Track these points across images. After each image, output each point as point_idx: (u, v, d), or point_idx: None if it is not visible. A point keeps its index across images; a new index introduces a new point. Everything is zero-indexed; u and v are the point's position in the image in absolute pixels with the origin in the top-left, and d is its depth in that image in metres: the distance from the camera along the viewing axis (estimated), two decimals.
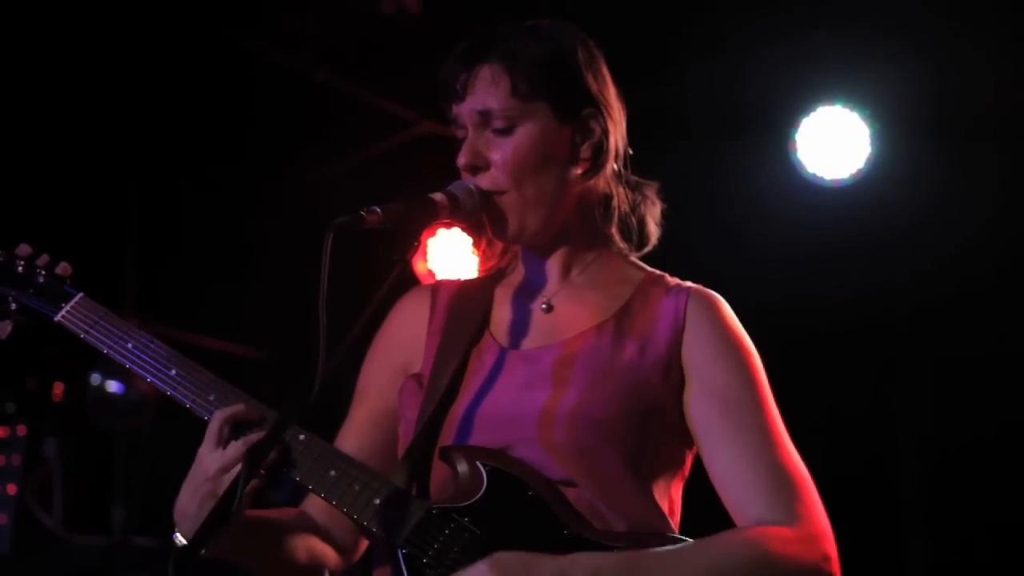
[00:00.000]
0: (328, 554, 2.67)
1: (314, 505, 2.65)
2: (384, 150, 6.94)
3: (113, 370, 6.18)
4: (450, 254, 6.66)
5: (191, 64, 6.12)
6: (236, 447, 2.44)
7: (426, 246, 6.65)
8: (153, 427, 6.44)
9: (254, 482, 2.40)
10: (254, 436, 2.45)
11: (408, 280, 2.74)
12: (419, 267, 6.59)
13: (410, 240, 2.45)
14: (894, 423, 6.82)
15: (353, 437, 2.69)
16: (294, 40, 6.21)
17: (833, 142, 6.04)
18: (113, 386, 6.23)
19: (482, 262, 2.81)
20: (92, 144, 6.28)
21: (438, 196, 2.53)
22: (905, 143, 6.01)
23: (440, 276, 6.50)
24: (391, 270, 2.43)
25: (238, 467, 2.39)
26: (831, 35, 5.91)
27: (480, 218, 2.61)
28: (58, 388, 6.26)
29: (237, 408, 2.49)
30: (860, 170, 6.05)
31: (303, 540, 2.64)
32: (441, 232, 6.56)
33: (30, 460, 6.17)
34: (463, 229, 6.55)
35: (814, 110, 6.06)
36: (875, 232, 6.31)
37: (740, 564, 2.35)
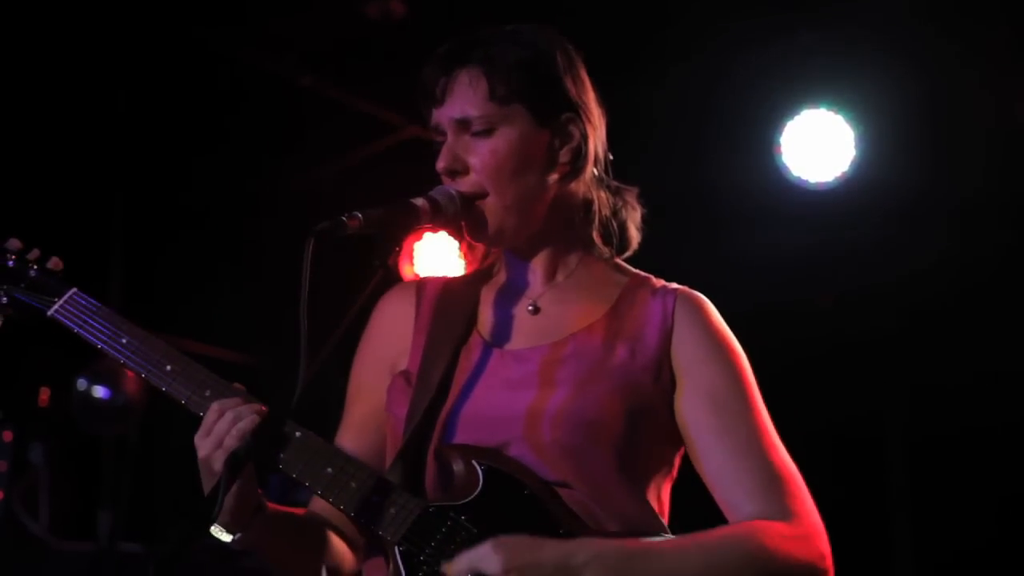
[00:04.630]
0: (347, 554, 2.69)
1: (323, 506, 2.64)
2: (369, 155, 6.93)
3: (99, 375, 6.16)
4: (437, 257, 6.66)
5: (175, 68, 6.10)
6: (225, 419, 2.43)
7: (413, 249, 6.65)
8: (140, 432, 6.43)
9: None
10: (244, 409, 2.44)
11: (391, 284, 2.74)
12: (406, 270, 6.59)
13: (391, 245, 2.47)
14: (881, 425, 6.83)
15: (352, 438, 2.71)
16: (279, 45, 6.19)
17: (818, 145, 6.04)
18: (100, 391, 6.19)
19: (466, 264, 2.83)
20: (77, 149, 6.25)
21: (420, 201, 2.54)
22: (890, 146, 6.01)
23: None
24: (373, 275, 2.45)
25: (230, 441, 2.40)
26: (815, 37, 5.89)
27: (461, 223, 2.62)
28: (44, 393, 6.23)
29: (237, 401, 2.47)
30: (845, 173, 6.05)
31: (328, 539, 2.67)
32: (428, 235, 6.56)
33: (16, 466, 6.13)
34: (449, 233, 6.58)
35: (799, 113, 6.06)
36: (860, 235, 6.32)
37: (739, 555, 2.38)
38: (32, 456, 6.26)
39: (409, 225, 2.53)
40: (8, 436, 6.08)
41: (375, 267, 2.46)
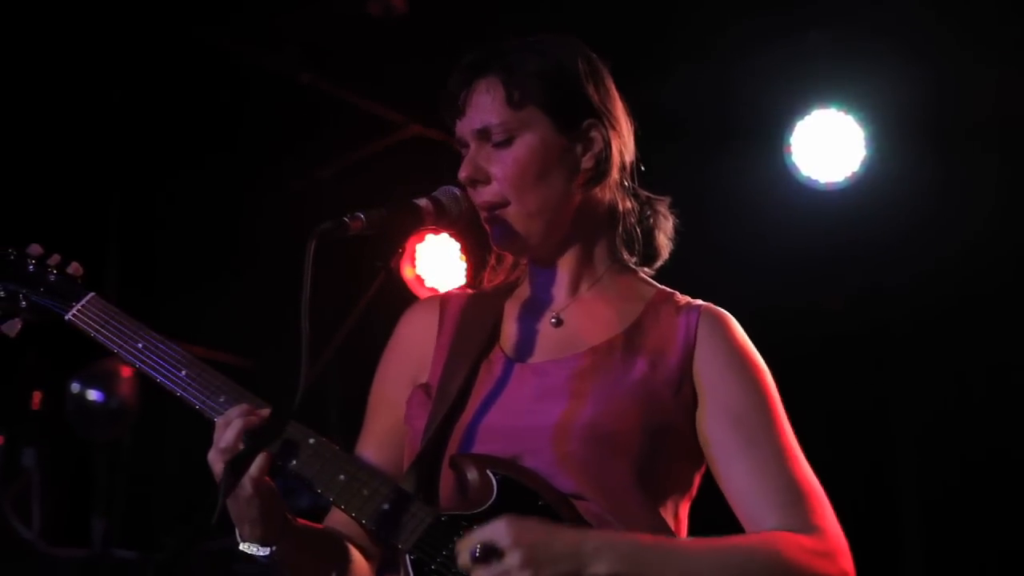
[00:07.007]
0: (364, 568, 2.68)
1: (339, 520, 2.64)
2: (370, 154, 6.93)
3: (93, 379, 6.11)
4: (438, 259, 6.63)
5: (173, 67, 6.09)
6: (233, 428, 2.42)
7: (414, 251, 6.62)
8: (134, 437, 6.39)
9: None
10: (253, 418, 2.43)
11: (393, 286, 2.71)
12: (407, 272, 6.57)
13: (394, 246, 2.49)
14: (890, 428, 6.81)
15: (372, 450, 2.72)
16: (278, 42, 6.18)
17: (828, 145, 6.04)
18: (93, 395, 6.16)
19: (490, 276, 2.83)
20: (74, 150, 6.24)
21: (423, 201, 2.56)
22: (900, 146, 6.03)
23: (428, 281, 6.52)
24: (375, 276, 2.46)
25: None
26: (825, 37, 5.90)
27: (464, 223, 2.64)
28: (37, 397, 6.19)
29: (241, 409, 2.46)
30: (855, 173, 6.06)
31: (347, 552, 2.66)
32: (429, 237, 6.55)
33: (8, 470, 6.14)
34: (451, 235, 6.60)
35: (809, 113, 6.07)
36: (870, 235, 6.34)
37: (757, 563, 2.38)
38: (24, 460, 6.26)
39: (412, 226, 2.56)
40: (0, 440, 6.04)
41: (377, 268, 2.48)
